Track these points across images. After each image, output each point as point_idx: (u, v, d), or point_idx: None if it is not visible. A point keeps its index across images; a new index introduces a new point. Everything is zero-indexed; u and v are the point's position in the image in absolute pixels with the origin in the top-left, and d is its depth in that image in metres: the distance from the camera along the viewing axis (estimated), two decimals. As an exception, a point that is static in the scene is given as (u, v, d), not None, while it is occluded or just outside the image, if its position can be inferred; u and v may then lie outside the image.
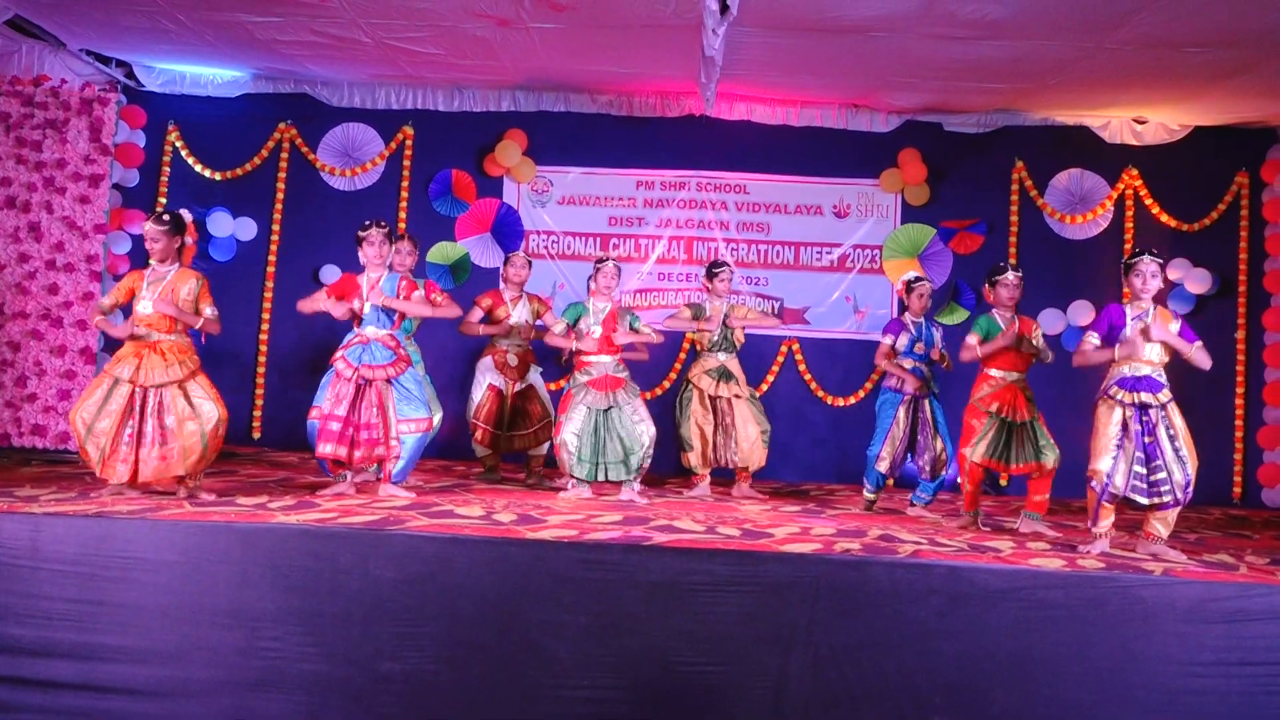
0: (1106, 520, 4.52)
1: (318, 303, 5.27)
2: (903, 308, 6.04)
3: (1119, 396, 4.50)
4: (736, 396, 6.21)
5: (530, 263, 6.48)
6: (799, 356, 7.77)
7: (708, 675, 3.74)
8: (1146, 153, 7.62)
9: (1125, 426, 4.47)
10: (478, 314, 6.27)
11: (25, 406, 6.75)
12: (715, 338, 6.26)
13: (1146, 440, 4.44)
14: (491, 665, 3.75)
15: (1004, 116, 7.60)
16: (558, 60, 6.86)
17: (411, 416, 5.19)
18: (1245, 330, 7.55)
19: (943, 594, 3.78)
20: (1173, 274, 7.38)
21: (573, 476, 5.64)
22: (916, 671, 3.72)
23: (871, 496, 5.87)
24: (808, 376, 7.76)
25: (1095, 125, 7.61)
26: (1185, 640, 3.71)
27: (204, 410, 4.78)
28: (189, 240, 4.99)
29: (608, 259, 5.91)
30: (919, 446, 5.75)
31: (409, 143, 7.87)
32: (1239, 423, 7.52)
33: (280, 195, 7.84)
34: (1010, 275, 5.42)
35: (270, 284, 7.83)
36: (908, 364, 5.79)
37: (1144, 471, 4.41)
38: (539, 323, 6.24)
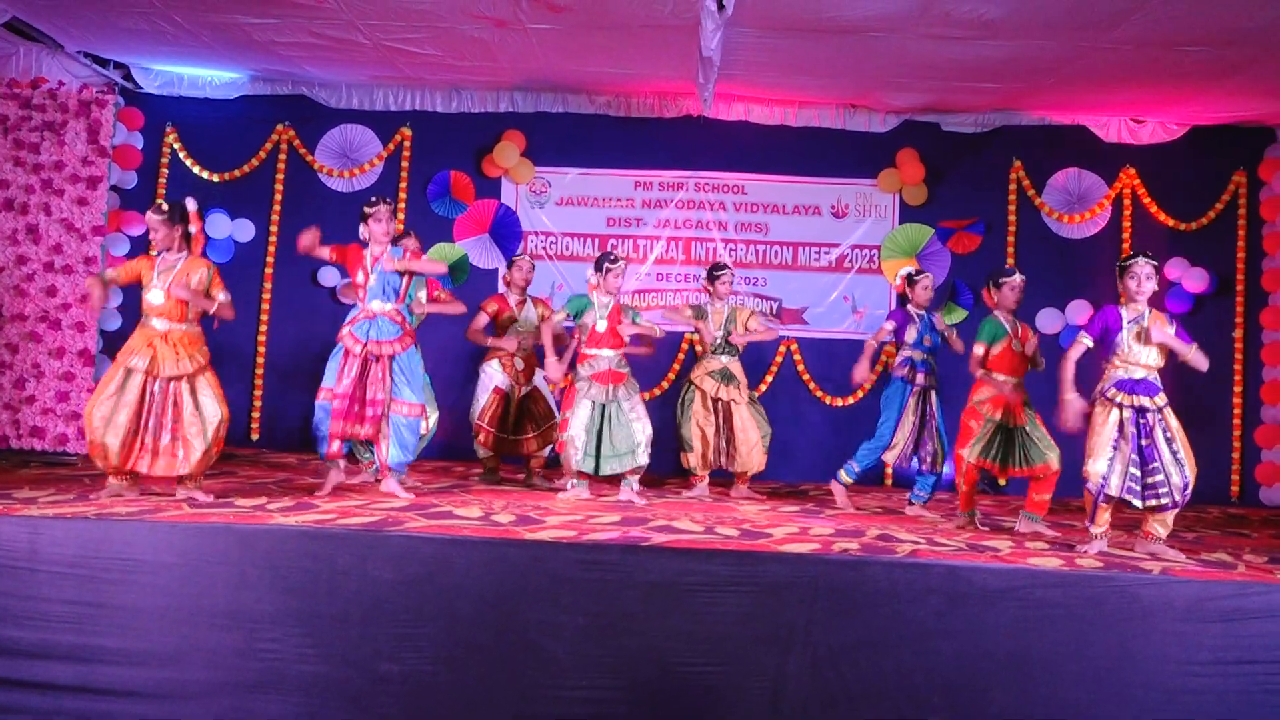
0: (1103, 519, 4.53)
1: (314, 241, 5.24)
2: (902, 301, 6.06)
3: (1117, 399, 4.50)
4: (736, 401, 6.21)
5: (534, 265, 6.50)
6: (797, 357, 7.78)
7: (706, 675, 3.74)
8: (1144, 152, 7.62)
9: (1121, 428, 4.48)
10: (483, 319, 6.29)
11: (24, 409, 6.74)
12: (718, 340, 6.27)
13: (1144, 443, 4.44)
14: (490, 666, 3.75)
15: (1001, 116, 7.60)
16: (555, 61, 6.87)
17: (405, 400, 5.21)
18: (1243, 329, 7.56)
19: (941, 594, 3.78)
20: (1170, 273, 7.38)
21: (575, 474, 5.64)
22: (915, 671, 3.72)
23: (849, 481, 5.92)
24: (806, 377, 7.76)
25: (1093, 125, 7.61)
26: (1183, 639, 3.71)
27: (207, 411, 4.79)
28: (193, 229, 5.00)
29: (619, 258, 5.91)
30: (924, 439, 5.78)
31: (407, 144, 7.87)
32: (1237, 421, 7.52)
33: (278, 197, 7.84)
34: (1018, 277, 5.42)
35: (268, 285, 7.83)
36: (918, 356, 5.81)
37: (1138, 474, 4.42)
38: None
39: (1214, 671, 3.68)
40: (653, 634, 3.76)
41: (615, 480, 5.75)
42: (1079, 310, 7.47)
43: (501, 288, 6.39)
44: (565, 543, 3.99)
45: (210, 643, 3.78)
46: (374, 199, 5.36)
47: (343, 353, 5.23)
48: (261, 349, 7.81)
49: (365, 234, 5.30)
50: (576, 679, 3.73)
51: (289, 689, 3.74)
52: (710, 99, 7.04)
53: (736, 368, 6.32)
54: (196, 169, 7.75)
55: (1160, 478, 4.39)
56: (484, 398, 6.22)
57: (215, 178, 7.75)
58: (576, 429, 5.61)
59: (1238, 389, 7.54)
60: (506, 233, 7.84)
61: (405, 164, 7.88)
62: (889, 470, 7.61)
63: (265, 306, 7.82)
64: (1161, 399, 4.51)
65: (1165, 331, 4.55)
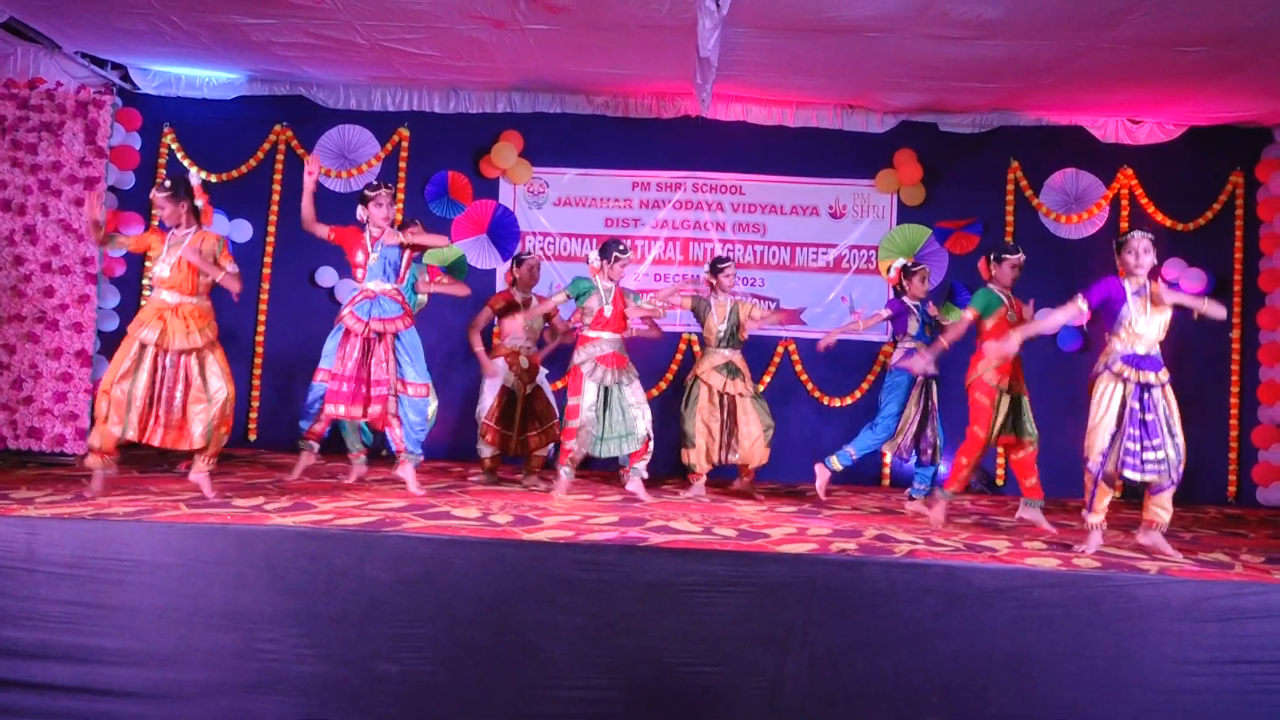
0: (1102, 505, 4.51)
1: (309, 196, 5.27)
2: (898, 293, 6.07)
3: (1125, 373, 4.49)
4: (742, 395, 6.24)
5: (541, 264, 6.54)
6: (795, 357, 7.78)
7: (704, 676, 3.74)
8: (1141, 152, 7.63)
9: (1124, 403, 4.48)
10: (487, 315, 6.32)
11: (21, 409, 6.73)
12: (722, 334, 6.29)
13: (1148, 418, 4.44)
14: (488, 666, 3.75)
15: (999, 117, 7.60)
16: (553, 62, 6.87)
17: (412, 380, 5.22)
18: (1240, 329, 7.56)
19: (939, 594, 3.79)
20: (1168, 273, 7.38)
21: (572, 462, 5.66)
22: (913, 671, 3.73)
23: (838, 468, 5.87)
24: (804, 377, 7.77)
25: (1090, 125, 7.62)
26: (1180, 639, 3.72)
27: (213, 388, 4.83)
28: (199, 202, 5.02)
29: (628, 247, 5.96)
30: (925, 431, 5.79)
31: (405, 144, 7.88)
32: (1234, 422, 7.53)
33: (276, 197, 7.84)
34: (1020, 255, 5.47)
35: (266, 285, 7.83)
36: (920, 347, 5.82)
37: (1138, 449, 4.42)
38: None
39: (1211, 671, 3.69)
40: (650, 634, 3.76)
41: (612, 477, 5.74)
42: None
43: (501, 285, 6.41)
44: (563, 543, 3.99)
45: (208, 643, 3.78)
46: (375, 183, 5.41)
47: (343, 333, 5.24)
48: (259, 349, 7.82)
49: (363, 216, 5.33)
50: (574, 679, 3.73)
51: (287, 689, 3.74)
52: (708, 99, 7.05)
53: (740, 361, 6.36)
54: (194, 169, 7.73)
55: (1161, 455, 4.39)
56: (489, 398, 6.23)
57: (213, 178, 7.72)
58: (585, 413, 5.64)
59: (1234, 389, 7.55)
60: (504, 233, 7.84)
61: (403, 164, 7.88)
62: (886, 470, 7.61)
63: (263, 307, 7.82)
64: (1165, 374, 4.52)
65: (1180, 294, 4.61)
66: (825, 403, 7.74)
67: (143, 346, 4.76)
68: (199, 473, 4.85)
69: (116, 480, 4.88)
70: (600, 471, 6.92)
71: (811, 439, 7.67)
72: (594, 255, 5.90)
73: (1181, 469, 4.48)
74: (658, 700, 3.74)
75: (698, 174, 7.89)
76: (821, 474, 5.92)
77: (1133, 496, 7.15)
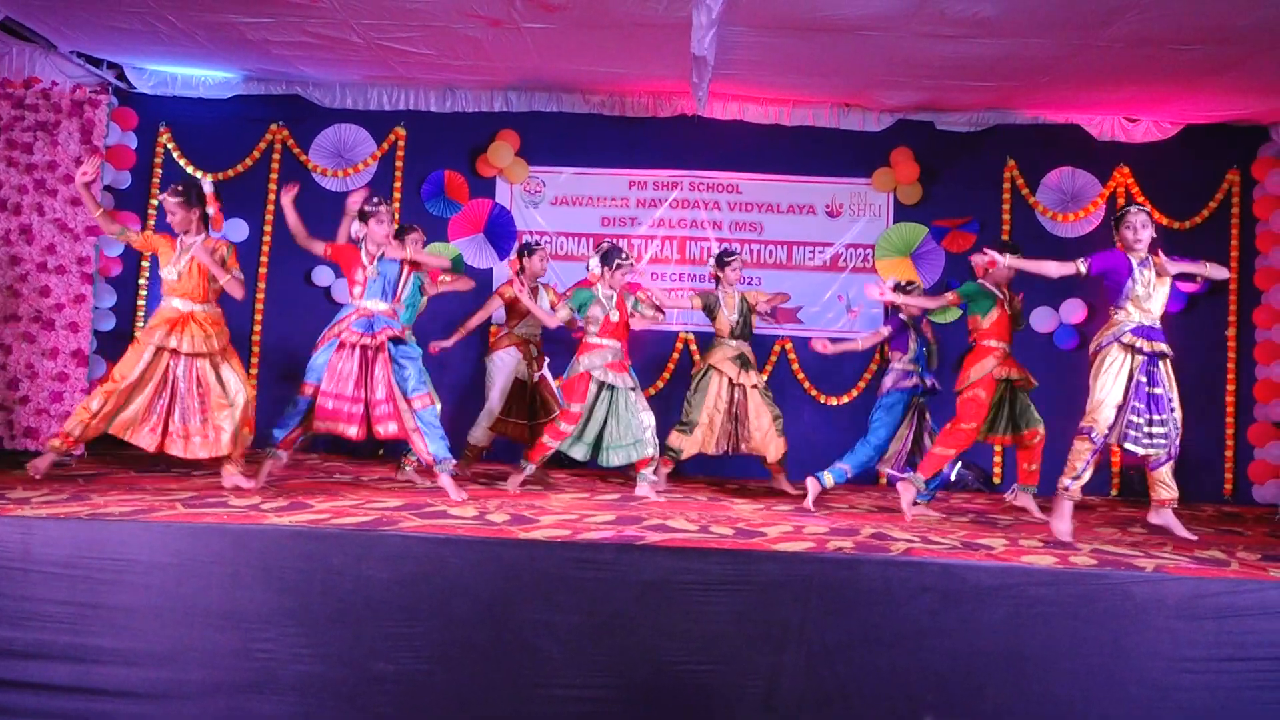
0: (1086, 475, 4.55)
1: (292, 213, 5.27)
2: (895, 311, 6.08)
3: (1136, 344, 4.50)
4: (754, 386, 6.31)
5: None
6: (792, 356, 7.78)
7: (700, 674, 3.75)
8: (1137, 151, 7.63)
9: (1131, 376, 4.50)
10: (496, 303, 6.36)
11: (17, 409, 6.73)
12: (735, 325, 6.31)
13: (1154, 391, 4.47)
14: (484, 665, 3.75)
15: (995, 115, 7.61)
16: (550, 60, 6.86)
17: (419, 394, 5.23)
18: (1236, 328, 7.57)
19: (935, 592, 3.79)
20: (1164, 272, 7.41)
21: (542, 461, 5.71)
22: (909, 669, 3.74)
23: (830, 484, 5.77)
24: (800, 375, 7.77)
25: (1086, 124, 7.63)
26: (1176, 636, 3.73)
27: (233, 390, 4.85)
28: (211, 210, 5.04)
29: (630, 256, 6.01)
30: (920, 447, 5.85)
31: (401, 144, 7.87)
32: (1230, 420, 7.54)
33: (272, 197, 7.83)
34: (1019, 256, 5.46)
35: (262, 285, 7.82)
36: (917, 369, 5.88)
37: (1141, 421, 4.44)
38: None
39: (1207, 668, 3.70)
40: (647, 633, 3.76)
41: (609, 476, 5.75)
42: (1073, 309, 7.49)
43: (498, 283, 6.43)
44: (559, 542, 3.99)
45: (205, 643, 3.78)
46: (375, 199, 5.35)
47: (335, 348, 5.16)
48: (255, 349, 7.81)
49: (360, 232, 5.28)
50: (571, 678, 3.74)
51: (284, 689, 3.74)
52: (705, 98, 7.05)
53: (750, 353, 6.42)
54: (190, 169, 7.73)
55: (1164, 429, 4.42)
56: (497, 397, 6.26)
57: (209, 178, 7.73)
58: (580, 419, 5.68)
59: (1231, 387, 7.55)
60: (501, 232, 7.84)
61: (399, 163, 7.88)
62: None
63: (259, 306, 7.81)
64: (1168, 348, 4.56)
65: (1181, 260, 4.66)
66: (822, 401, 7.74)
67: (157, 352, 4.77)
68: (231, 475, 4.87)
69: (69, 470, 4.88)
70: (597, 470, 6.92)
71: (808, 438, 7.67)
72: (594, 262, 5.90)
73: (1179, 443, 4.53)
74: (655, 699, 3.74)
75: (694, 173, 7.90)
76: (813, 488, 5.69)
77: (1129, 494, 7.20)
